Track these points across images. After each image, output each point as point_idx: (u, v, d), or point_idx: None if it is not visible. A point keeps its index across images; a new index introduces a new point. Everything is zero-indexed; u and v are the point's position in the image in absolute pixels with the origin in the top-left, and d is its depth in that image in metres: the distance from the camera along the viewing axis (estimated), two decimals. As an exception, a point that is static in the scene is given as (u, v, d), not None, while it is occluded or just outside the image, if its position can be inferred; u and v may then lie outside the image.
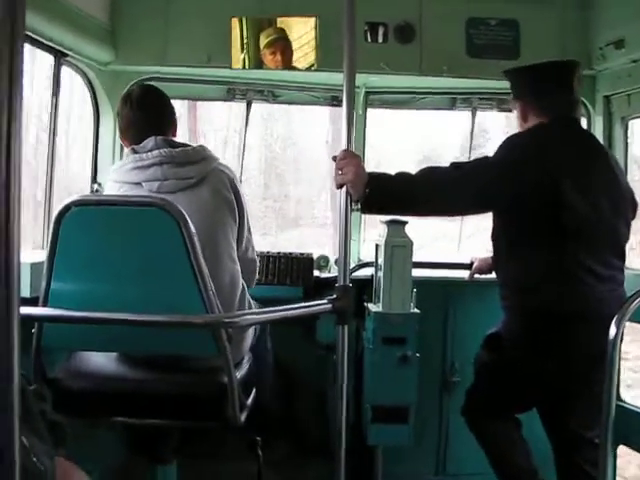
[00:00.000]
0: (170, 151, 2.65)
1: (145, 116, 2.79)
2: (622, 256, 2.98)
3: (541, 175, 2.80)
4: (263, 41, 3.64)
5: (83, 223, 2.30)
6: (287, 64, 3.67)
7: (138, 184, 2.64)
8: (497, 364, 3.05)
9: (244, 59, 3.66)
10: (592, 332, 2.70)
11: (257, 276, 3.01)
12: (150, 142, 2.68)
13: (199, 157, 2.70)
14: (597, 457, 2.67)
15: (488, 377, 3.12)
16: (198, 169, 2.67)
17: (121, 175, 2.69)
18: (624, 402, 3.59)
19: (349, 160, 2.56)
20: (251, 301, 2.84)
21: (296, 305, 2.40)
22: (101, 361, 2.62)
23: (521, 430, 3.15)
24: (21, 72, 1.12)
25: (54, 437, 1.76)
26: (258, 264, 3.00)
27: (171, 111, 2.90)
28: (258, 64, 3.69)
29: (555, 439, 3.06)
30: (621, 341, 2.91)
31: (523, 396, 3.04)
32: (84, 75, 3.66)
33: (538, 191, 2.80)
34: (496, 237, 3.10)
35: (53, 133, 3.39)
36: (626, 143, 3.74)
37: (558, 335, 2.82)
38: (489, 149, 3.85)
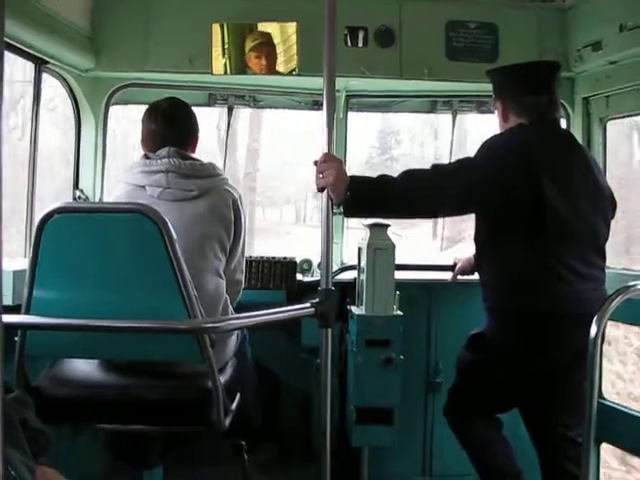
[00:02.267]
0: (179, 162, 2.77)
1: (168, 130, 2.89)
2: (602, 255, 3.01)
3: (522, 175, 2.82)
4: (249, 44, 3.64)
5: (65, 230, 2.30)
6: (271, 68, 3.68)
7: (142, 187, 2.75)
8: (479, 364, 3.07)
9: (225, 64, 3.67)
10: (574, 331, 2.72)
11: (239, 297, 3.04)
12: (163, 151, 2.80)
13: (205, 173, 2.81)
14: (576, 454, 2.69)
15: (470, 377, 3.13)
16: (201, 184, 2.77)
17: (129, 177, 2.81)
18: (606, 400, 3.61)
19: (330, 164, 2.57)
20: (233, 312, 2.88)
21: (279, 309, 2.40)
22: (84, 368, 2.63)
23: (502, 430, 3.17)
24: (1, 79, 1.13)
25: (36, 445, 1.76)
26: (242, 287, 3.05)
27: (194, 127, 3.00)
28: (240, 70, 3.69)
29: (538, 440, 3.07)
30: (602, 339, 2.94)
31: (505, 396, 3.06)
32: (65, 82, 3.66)
33: (519, 192, 2.82)
34: (478, 238, 3.12)
35: (34, 139, 3.38)
36: (605, 144, 3.77)
37: (540, 334, 2.84)
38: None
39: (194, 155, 2.95)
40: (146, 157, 2.84)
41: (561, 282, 2.85)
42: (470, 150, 3.03)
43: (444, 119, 4.46)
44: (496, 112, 3.17)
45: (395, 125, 11.38)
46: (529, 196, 2.82)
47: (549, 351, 2.84)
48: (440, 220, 4.64)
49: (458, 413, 3.17)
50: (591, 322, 2.59)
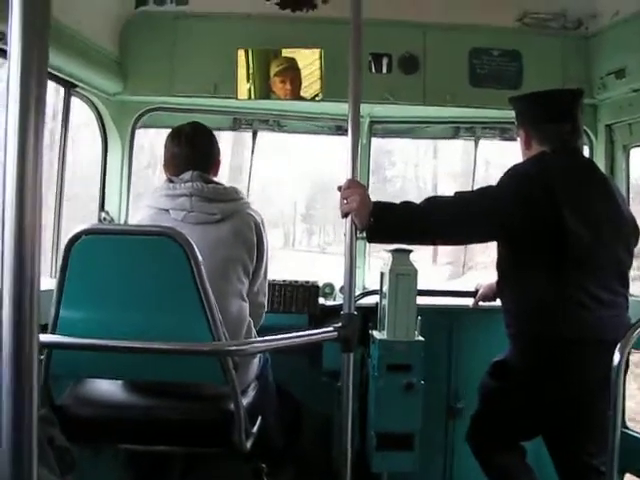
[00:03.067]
0: (202, 186, 2.80)
1: (191, 154, 2.92)
2: (625, 282, 3.00)
3: (543, 203, 2.82)
4: (274, 69, 3.69)
5: (92, 251, 2.33)
6: (295, 94, 3.72)
7: (166, 211, 2.78)
8: (502, 391, 3.05)
9: (250, 89, 3.71)
10: (596, 357, 2.71)
11: (262, 320, 3.05)
12: (187, 175, 2.83)
13: (228, 197, 2.84)
14: None
15: (493, 404, 3.11)
16: (224, 207, 2.80)
17: (153, 201, 2.84)
18: (629, 429, 3.59)
19: (354, 189, 2.59)
20: (256, 336, 2.89)
21: (301, 333, 2.41)
22: (108, 388, 2.65)
23: (526, 458, 3.15)
24: (44, 104, 1.17)
25: (62, 464, 1.78)
26: (265, 310, 3.07)
27: (216, 151, 3.04)
28: (264, 94, 3.73)
29: (562, 468, 3.04)
30: (627, 368, 2.92)
31: (527, 423, 3.03)
32: (92, 105, 3.72)
33: (540, 219, 2.82)
34: (500, 265, 3.12)
35: (62, 161, 3.43)
36: (628, 171, 3.77)
37: (561, 361, 2.82)
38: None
39: (216, 179, 2.98)
40: (170, 181, 2.87)
41: (583, 309, 2.84)
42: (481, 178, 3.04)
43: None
44: (519, 140, 3.18)
45: (388, 144, 10.91)
46: (550, 223, 2.82)
47: (571, 378, 2.83)
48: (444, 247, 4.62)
49: (481, 440, 3.15)
50: (613, 349, 2.58)
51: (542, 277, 2.87)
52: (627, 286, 3.01)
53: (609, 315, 2.85)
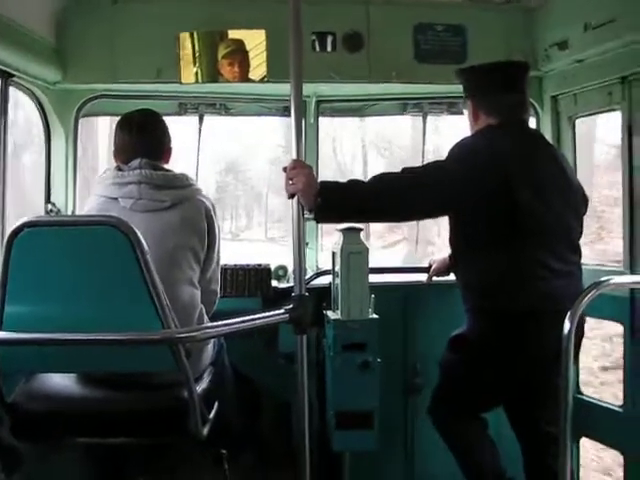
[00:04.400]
0: (150, 173, 2.77)
1: (141, 141, 2.89)
2: (577, 251, 3.04)
3: (492, 177, 2.84)
4: (221, 52, 3.63)
5: (36, 244, 2.28)
6: (244, 76, 3.67)
7: (115, 199, 2.75)
8: (462, 364, 3.09)
9: (196, 73, 3.66)
10: (552, 328, 2.73)
11: (215, 307, 3.04)
12: (135, 162, 2.80)
13: (178, 183, 2.82)
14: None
15: (453, 377, 3.15)
16: (173, 194, 2.77)
17: (101, 189, 2.80)
18: (583, 395, 3.65)
19: (299, 170, 2.58)
20: (208, 322, 2.87)
21: (253, 316, 2.40)
22: (60, 382, 2.61)
23: (487, 429, 3.19)
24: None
25: (9, 463, 1.75)
26: (218, 297, 3.06)
27: (168, 138, 3.01)
28: (211, 78, 3.68)
29: (523, 437, 3.11)
30: (582, 335, 2.96)
31: (488, 395, 3.08)
32: (33, 95, 3.63)
33: (492, 193, 2.83)
34: (453, 240, 3.14)
35: (3, 154, 3.35)
36: (574, 141, 3.81)
37: (519, 333, 2.86)
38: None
39: (167, 166, 2.94)
40: (118, 169, 2.83)
41: (537, 280, 2.88)
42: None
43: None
44: (466, 112, 3.18)
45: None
46: (500, 197, 2.84)
47: (529, 349, 2.87)
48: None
49: (442, 412, 3.19)
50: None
51: (495, 250, 2.90)
52: (580, 255, 3.05)
53: (563, 285, 2.89)
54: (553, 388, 2.83)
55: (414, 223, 4.78)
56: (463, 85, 3.19)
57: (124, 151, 2.90)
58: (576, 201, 3.07)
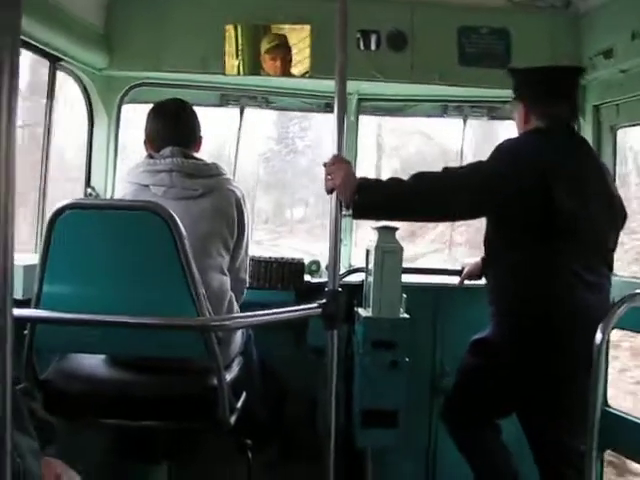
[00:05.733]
0: (182, 161, 2.79)
1: (173, 130, 2.91)
2: (610, 264, 3.00)
3: (534, 180, 2.79)
4: (265, 46, 3.67)
5: (76, 226, 2.33)
6: (286, 71, 3.71)
7: (146, 186, 2.77)
8: (482, 369, 3.06)
9: (239, 66, 3.69)
10: (580, 338, 2.72)
11: (244, 296, 3.07)
12: (167, 151, 2.82)
13: (208, 172, 2.83)
14: (583, 464, 2.68)
15: (471, 382, 3.12)
16: (205, 183, 2.79)
17: (133, 176, 2.82)
18: (611, 407, 3.62)
19: (338, 165, 2.59)
20: (238, 310, 2.91)
21: (285, 309, 2.42)
22: (92, 363, 2.65)
23: (501, 436, 3.16)
24: (17, 76, 1.16)
25: (44, 436, 1.78)
26: (247, 285, 3.09)
27: (198, 127, 3.02)
28: (253, 71, 3.71)
29: (537, 445, 3.01)
30: (608, 347, 2.94)
31: (506, 402, 3.04)
32: (79, 80, 3.69)
33: (531, 196, 2.80)
34: (488, 242, 3.11)
35: (48, 137, 3.41)
36: (615, 152, 3.77)
37: (544, 342, 2.82)
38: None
39: (198, 155, 2.97)
40: (150, 157, 2.87)
41: (568, 289, 2.84)
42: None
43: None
44: (515, 113, 3.13)
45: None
46: (541, 201, 2.80)
47: (553, 358, 2.83)
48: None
49: (456, 417, 3.17)
50: (596, 330, 2.59)
51: (529, 255, 2.87)
52: (611, 268, 3.01)
53: (594, 297, 2.85)
54: (575, 399, 2.81)
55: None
56: (515, 86, 3.13)
57: (156, 139, 2.92)
58: (615, 213, 3.03)
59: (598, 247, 2.93)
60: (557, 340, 2.82)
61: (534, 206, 2.81)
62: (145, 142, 2.98)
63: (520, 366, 2.89)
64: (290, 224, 10.83)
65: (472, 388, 3.11)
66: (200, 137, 3.02)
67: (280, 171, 9.02)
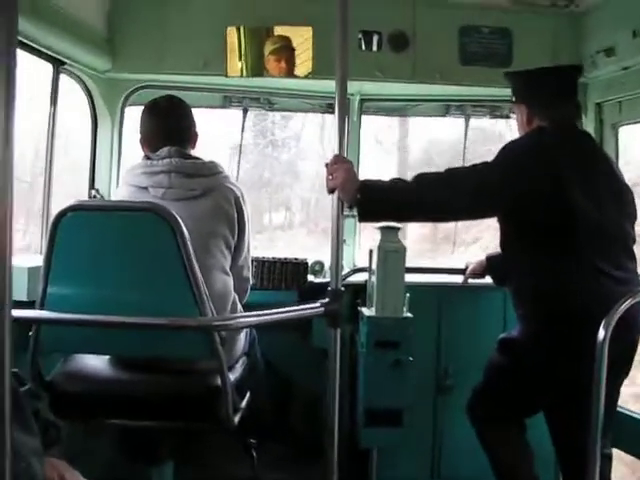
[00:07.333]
0: (180, 161, 2.76)
1: (168, 127, 2.89)
2: (633, 257, 2.94)
3: (544, 179, 2.77)
4: (269, 48, 3.68)
5: (79, 228, 2.34)
6: (290, 72, 3.71)
7: (145, 188, 2.75)
8: (510, 368, 3.01)
9: (242, 67, 3.70)
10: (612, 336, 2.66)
11: (247, 295, 3.06)
12: (164, 151, 2.80)
13: (208, 172, 2.81)
14: (605, 466, 2.65)
15: (499, 379, 3.07)
16: (204, 182, 2.77)
17: (131, 178, 2.80)
18: (619, 406, 3.60)
19: (340, 165, 2.59)
20: (242, 310, 2.91)
21: (288, 308, 2.42)
22: (97, 364, 2.66)
23: (525, 434, 3.13)
24: (14, 77, 1.17)
25: (48, 437, 1.80)
26: (251, 283, 3.07)
27: (193, 124, 3.00)
28: (256, 72, 3.72)
29: (562, 445, 2.94)
30: (635, 350, 2.89)
31: (534, 401, 2.99)
32: (82, 83, 3.71)
33: (542, 196, 2.77)
34: (505, 246, 3.06)
35: (51, 140, 3.43)
36: (617, 149, 3.77)
37: (575, 340, 2.75)
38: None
39: (194, 153, 2.95)
40: (147, 158, 2.84)
41: (595, 285, 2.77)
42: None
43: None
44: (517, 115, 3.11)
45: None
46: (553, 200, 2.77)
47: (585, 356, 2.66)
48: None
49: (481, 412, 3.13)
50: (627, 326, 2.56)
51: (551, 256, 2.82)
52: (635, 261, 2.95)
53: (621, 291, 2.71)
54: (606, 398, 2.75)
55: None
56: (514, 88, 3.12)
57: (151, 138, 2.90)
58: (629, 205, 2.99)
59: (618, 242, 2.89)
60: (587, 338, 2.63)
61: (546, 203, 2.77)
62: (141, 142, 2.96)
63: (551, 366, 2.82)
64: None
65: (499, 385, 3.07)
66: (196, 133, 2.99)
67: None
